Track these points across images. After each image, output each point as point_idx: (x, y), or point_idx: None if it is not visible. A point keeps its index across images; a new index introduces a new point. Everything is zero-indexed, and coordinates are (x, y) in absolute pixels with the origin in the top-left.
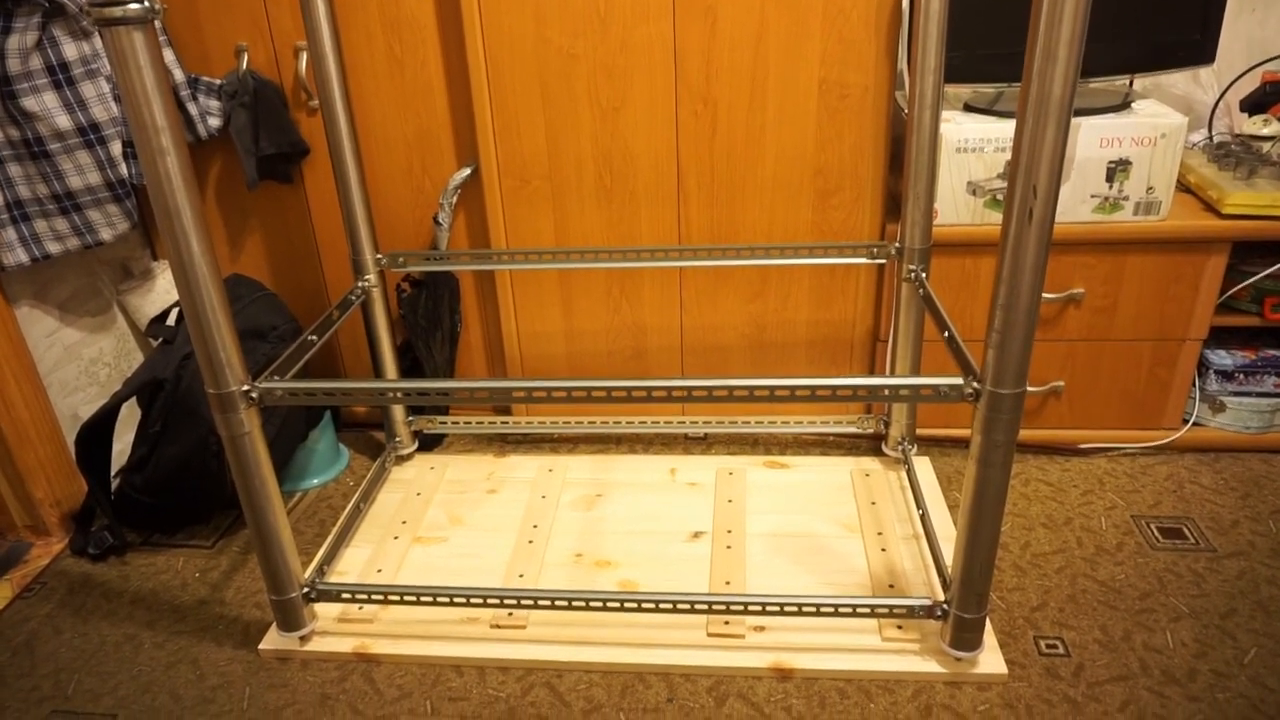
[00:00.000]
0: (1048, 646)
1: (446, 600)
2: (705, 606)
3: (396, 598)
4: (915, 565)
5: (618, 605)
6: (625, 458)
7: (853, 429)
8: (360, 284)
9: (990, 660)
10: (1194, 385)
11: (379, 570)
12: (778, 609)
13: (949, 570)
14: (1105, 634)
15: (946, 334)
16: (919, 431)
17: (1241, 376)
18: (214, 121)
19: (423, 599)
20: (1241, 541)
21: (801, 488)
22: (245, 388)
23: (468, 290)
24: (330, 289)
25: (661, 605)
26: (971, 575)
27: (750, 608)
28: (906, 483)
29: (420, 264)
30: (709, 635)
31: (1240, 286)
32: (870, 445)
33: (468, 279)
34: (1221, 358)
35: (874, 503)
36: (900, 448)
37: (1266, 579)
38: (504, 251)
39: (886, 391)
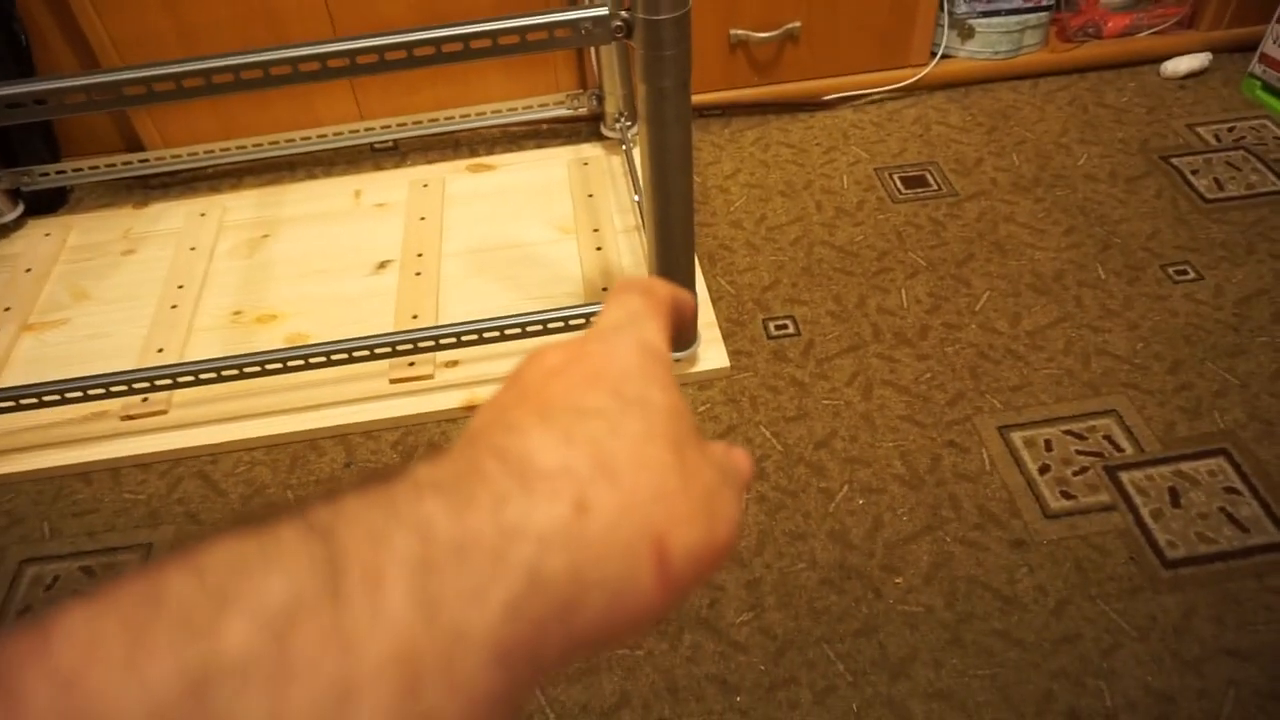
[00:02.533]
0: (777, 328)
1: (60, 397)
2: (390, 348)
3: None
4: (635, 261)
5: (279, 366)
6: (299, 186)
7: (564, 111)
8: None
9: (712, 355)
10: (941, 11)
11: None
12: (468, 338)
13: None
14: (839, 304)
15: None
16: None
17: None
18: None
19: (26, 402)
20: (983, 180)
21: (510, 190)
22: None
23: None
24: None
25: (331, 356)
26: (670, 261)
27: (436, 341)
28: (628, 166)
29: None
30: (392, 383)
31: None
32: (590, 130)
33: None
34: None
35: (592, 195)
36: (619, 126)
37: (1005, 217)
38: None
39: (518, 36)
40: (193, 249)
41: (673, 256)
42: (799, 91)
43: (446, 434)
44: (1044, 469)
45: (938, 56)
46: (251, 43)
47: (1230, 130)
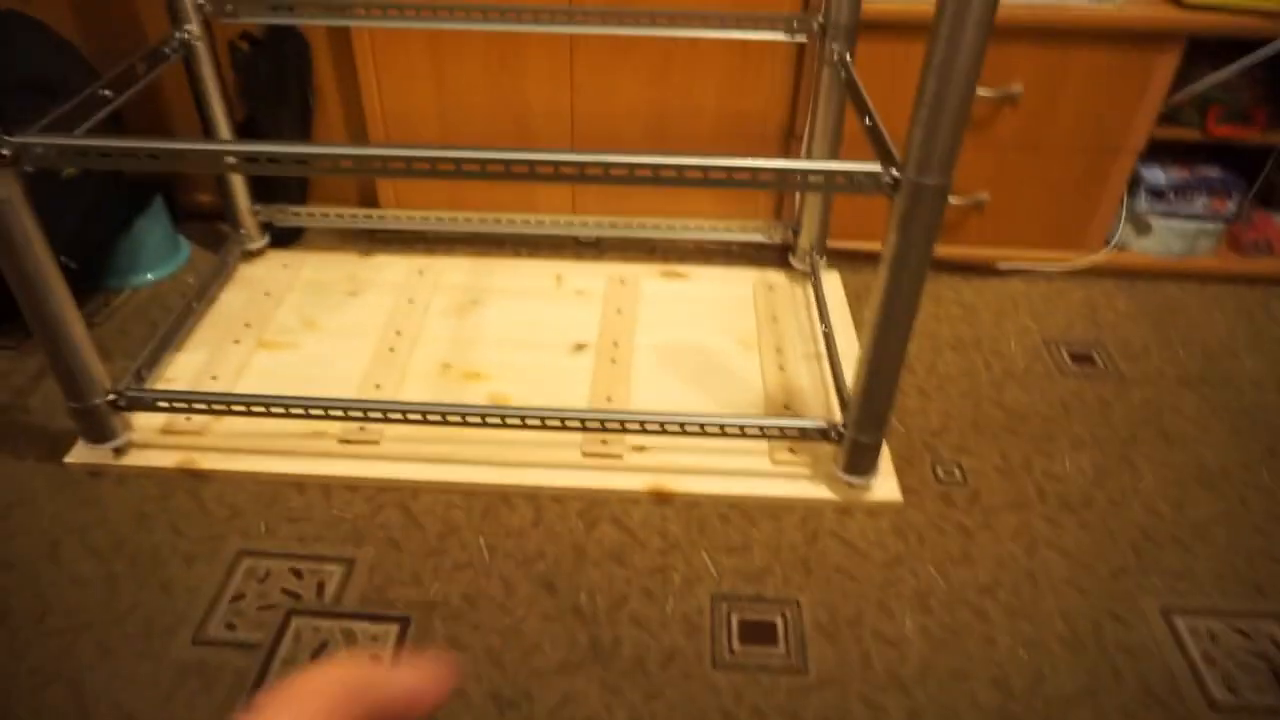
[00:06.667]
0: (945, 473)
1: (286, 411)
2: (580, 423)
3: (226, 407)
4: (814, 386)
5: (483, 420)
6: (507, 261)
7: (759, 237)
8: (177, 35)
9: (885, 486)
10: (1122, 205)
11: (214, 378)
12: (659, 427)
13: (849, 392)
14: (1005, 461)
15: (868, 121)
16: (830, 244)
17: (1173, 195)
18: None
19: (257, 409)
20: (1150, 369)
21: (699, 300)
22: None
23: (321, 55)
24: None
25: (531, 421)
26: (873, 393)
27: (629, 425)
28: (813, 298)
29: (253, 12)
30: (584, 455)
31: (1187, 92)
32: (777, 258)
33: (320, 41)
34: (1156, 174)
35: (776, 318)
36: (809, 259)
37: (1171, 408)
38: (361, 2)
39: (799, 176)
40: (411, 301)
41: (877, 386)
42: (976, 256)
43: (628, 513)
44: (1208, 658)
45: (1112, 245)
46: (498, 132)
47: None
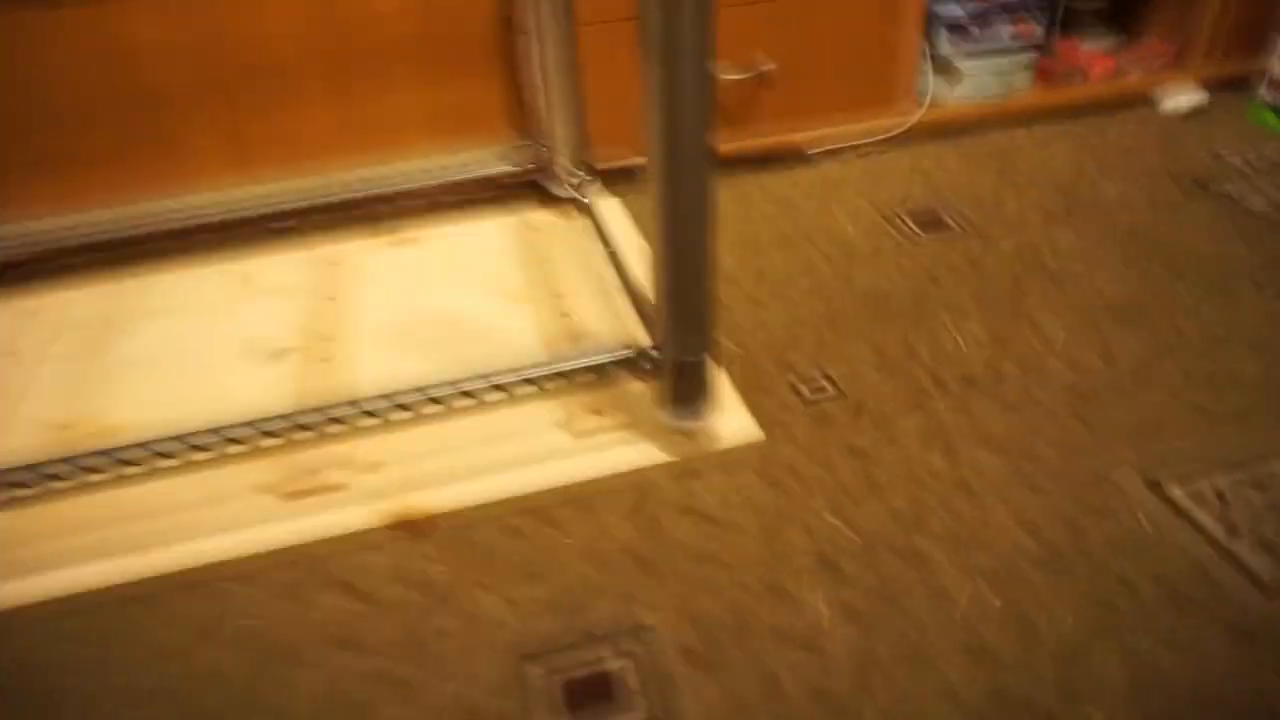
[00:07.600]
0: (813, 390)
1: None
2: (271, 434)
3: None
4: (612, 325)
5: (105, 469)
6: (164, 276)
7: (504, 166)
8: None
9: (734, 424)
10: (925, 56)
11: None
12: (383, 413)
13: (652, 306)
14: (880, 355)
15: None
16: (598, 166)
17: (975, 29)
18: None
19: None
20: (1009, 216)
21: (441, 263)
22: None
23: None
24: None
25: (176, 452)
26: (683, 289)
27: (336, 418)
28: (589, 227)
29: None
30: (286, 497)
31: None
32: (534, 193)
33: None
34: (951, 7)
35: (547, 259)
36: (573, 183)
37: (1048, 249)
38: None
39: None
40: (9, 354)
41: (688, 281)
42: (776, 145)
43: (364, 566)
44: (1232, 530)
45: (925, 104)
46: (94, 91)
47: (1258, 155)
